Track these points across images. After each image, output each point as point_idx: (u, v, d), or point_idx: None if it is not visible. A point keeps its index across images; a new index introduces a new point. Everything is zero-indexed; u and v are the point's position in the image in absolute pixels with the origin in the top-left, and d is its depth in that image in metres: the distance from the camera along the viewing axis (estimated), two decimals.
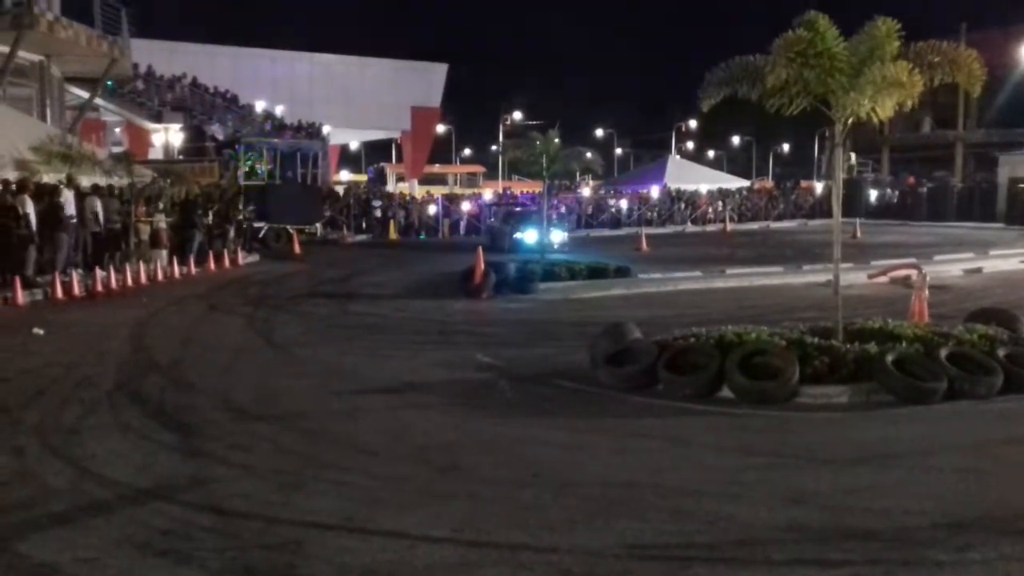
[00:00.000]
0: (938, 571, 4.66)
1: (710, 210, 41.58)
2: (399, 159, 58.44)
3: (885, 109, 9.35)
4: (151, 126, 35.30)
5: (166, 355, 11.00)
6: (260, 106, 40.56)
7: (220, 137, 33.49)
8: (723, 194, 44.10)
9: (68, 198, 17.71)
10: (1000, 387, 8.50)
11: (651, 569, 4.76)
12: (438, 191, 44.14)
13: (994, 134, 47.32)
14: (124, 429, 7.60)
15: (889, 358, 8.54)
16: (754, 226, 40.62)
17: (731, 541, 5.13)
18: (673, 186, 45.70)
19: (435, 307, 15.70)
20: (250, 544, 5.14)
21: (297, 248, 26.46)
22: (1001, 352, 8.91)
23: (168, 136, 34.35)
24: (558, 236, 25.84)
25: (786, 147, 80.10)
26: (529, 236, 24.82)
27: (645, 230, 32.06)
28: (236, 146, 29.87)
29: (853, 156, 49.78)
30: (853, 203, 37.14)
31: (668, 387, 8.86)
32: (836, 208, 10.16)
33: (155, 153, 34.00)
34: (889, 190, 45.96)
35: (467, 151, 79.16)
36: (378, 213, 34.55)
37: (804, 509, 5.60)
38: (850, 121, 9.58)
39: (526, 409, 8.48)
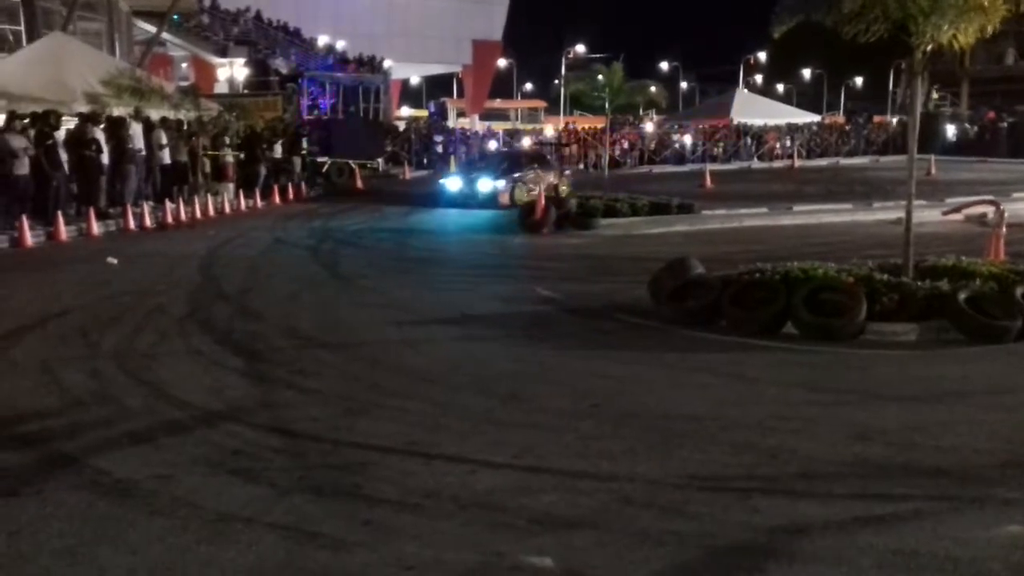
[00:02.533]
0: (1006, 509, 4.57)
1: (777, 146, 40.49)
2: (460, 94, 58.05)
3: (967, 35, 8.90)
4: (216, 60, 35.59)
5: (234, 285, 11.26)
6: (322, 40, 40.52)
7: (284, 71, 33.60)
8: (791, 129, 42.85)
9: (136, 131, 18.04)
10: None
11: (711, 499, 4.77)
12: (499, 126, 43.81)
13: None
14: (195, 354, 7.84)
15: (962, 296, 8.29)
16: (823, 162, 39.48)
17: (792, 474, 5.10)
18: (740, 121, 44.55)
19: (495, 242, 15.71)
20: (317, 465, 5.29)
21: (359, 183, 26.64)
22: None
23: (233, 70, 34.61)
24: (486, 185, 21.02)
25: (859, 81, 77.24)
26: (451, 184, 21.84)
27: (710, 166, 31.42)
28: (300, 80, 29.98)
29: (934, 90, 47.76)
30: (929, 139, 35.72)
31: (731, 322, 8.77)
32: (912, 141, 9.79)
33: (220, 87, 34.32)
34: (967, 125, 44.11)
35: (528, 86, 78.17)
36: (439, 148, 34.50)
37: (868, 445, 5.52)
38: (929, 49, 9.16)
39: (586, 342, 8.48)
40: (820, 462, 5.25)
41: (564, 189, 21.12)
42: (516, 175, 21.11)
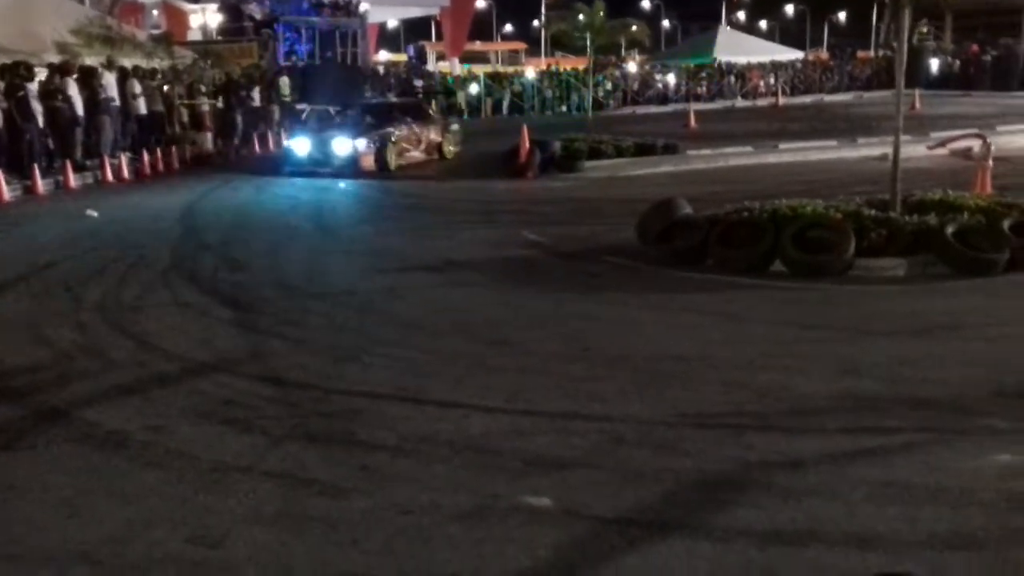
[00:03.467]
0: (995, 438, 4.63)
1: (761, 84, 40.18)
2: (439, 38, 57.07)
3: None
4: (188, 7, 34.72)
5: (217, 235, 11.13)
6: None
7: (258, 17, 32.83)
8: (775, 67, 42.48)
9: (109, 80, 17.65)
10: None
11: (704, 436, 4.80)
12: (480, 69, 43.17)
13: None
14: (181, 306, 7.77)
15: (949, 229, 8.30)
16: (807, 99, 39.21)
17: (784, 411, 5.13)
18: (723, 59, 44.09)
19: (479, 187, 15.58)
20: (309, 412, 5.28)
21: None
22: None
23: (205, 17, 33.78)
24: (343, 146, 17.09)
25: (842, 16, 76.46)
26: (299, 146, 17.71)
27: (693, 106, 31.16)
28: (275, 26, 29.34)
29: (921, 26, 47.25)
30: (913, 73, 35.50)
31: (719, 262, 8.76)
32: (899, 76, 9.71)
33: (193, 35, 33.54)
34: (951, 59, 43.86)
35: (508, 27, 76.95)
36: (419, 94, 33.99)
37: (858, 379, 5.56)
38: None
39: (574, 285, 8.46)
40: (811, 398, 5.29)
41: (451, 149, 18.96)
42: (385, 131, 17.39)
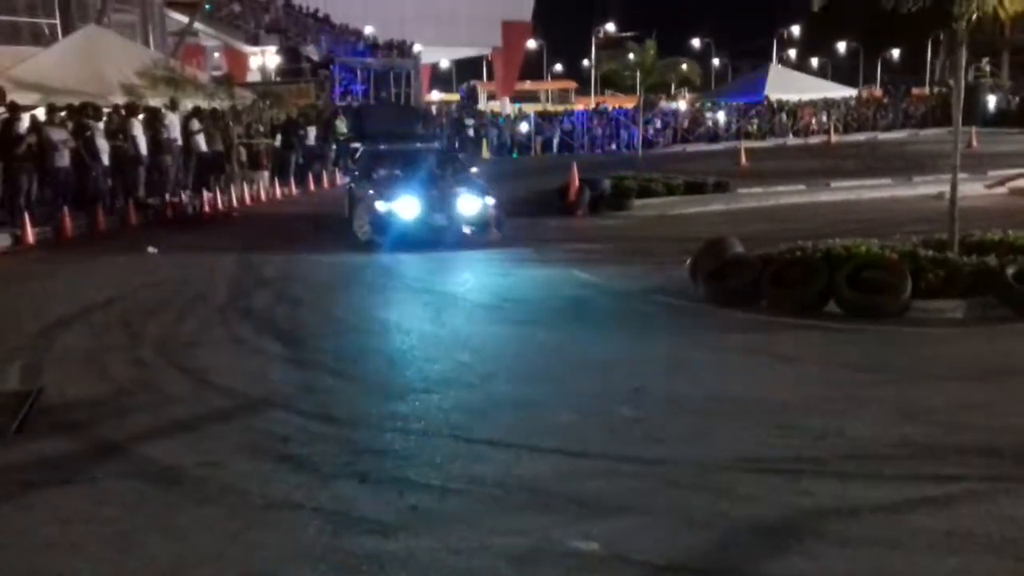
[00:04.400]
0: None
1: (813, 121, 39.86)
2: (490, 77, 57.84)
3: (1014, 3, 8.66)
4: (248, 49, 35.78)
5: (273, 272, 11.33)
6: (352, 25, 40.56)
7: (315, 58, 33.70)
8: (827, 104, 42.14)
9: (172, 121, 18.21)
10: None
11: (760, 481, 4.72)
12: (530, 108, 43.61)
13: None
14: (237, 342, 7.91)
15: (1010, 270, 8.11)
16: (860, 137, 38.78)
17: (840, 456, 5.02)
18: (774, 97, 43.89)
19: (531, 224, 15.63)
20: (361, 450, 5.31)
21: None
22: None
23: (264, 59, 34.78)
24: (471, 204, 13.18)
25: (896, 53, 75.68)
26: (406, 208, 12.85)
27: (744, 143, 31.03)
28: (331, 66, 30.05)
29: (982, 63, 46.57)
30: (970, 110, 34.92)
31: (772, 302, 8.66)
32: (956, 112, 9.55)
33: (252, 76, 34.51)
34: (1009, 96, 43.08)
35: (558, 67, 77.67)
36: (471, 132, 34.43)
37: (917, 425, 5.43)
38: (973, 18, 8.93)
39: (627, 325, 8.42)
40: (868, 443, 5.17)
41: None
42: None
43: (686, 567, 3.86)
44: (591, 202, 16.79)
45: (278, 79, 32.28)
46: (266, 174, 20.73)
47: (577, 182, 17.14)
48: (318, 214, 17.49)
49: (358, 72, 29.49)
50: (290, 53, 34.46)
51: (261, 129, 21.41)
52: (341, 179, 23.82)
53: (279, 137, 22.05)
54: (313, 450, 5.30)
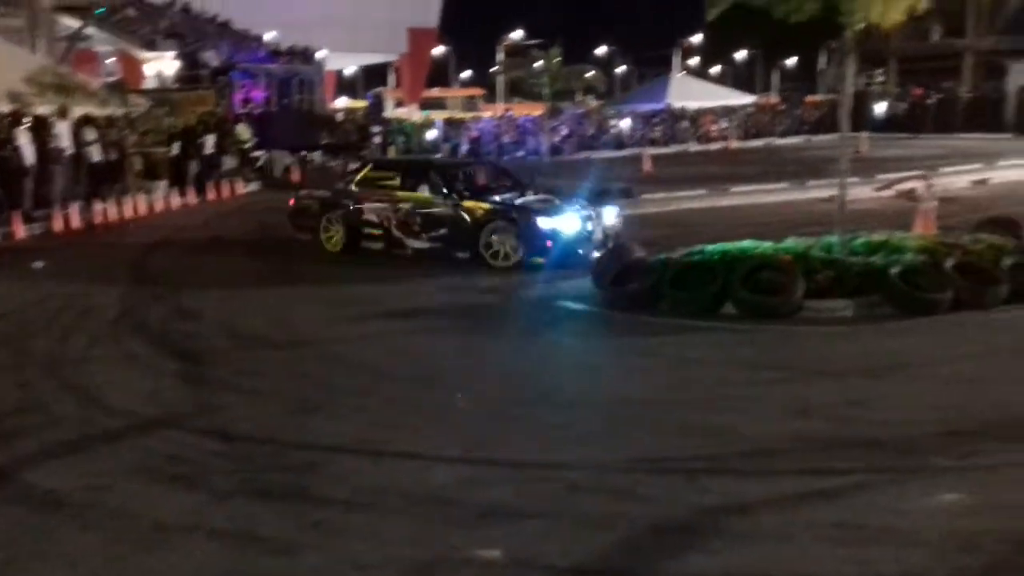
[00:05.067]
0: (942, 477, 4.70)
1: (714, 128, 40.98)
2: (398, 84, 57.48)
3: (896, 12, 9.09)
4: (144, 55, 34.59)
5: (169, 285, 10.97)
6: (253, 31, 39.71)
7: (214, 64, 32.84)
8: (727, 111, 43.40)
9: (61, 130, 17.46)
10: (1005, 296, 8.46)
11: (658, 481, 4.81)
12: (438, 115, 43.51)
13: (1004, 41, 46.19)
14: (129, 358, 7.62)
15: (894, 270, 8.48)
16: (759, 143, 40.09)
17: (736, 453, 5.16)
18: (677, 104, 44.95)
19: None
20: (262, 468, 5.19)
21: (296, 176, 26.21)
22: (1007, 262, 8.84)
23: (161, 65, 33.70)
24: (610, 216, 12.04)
25: (792, 61, 78.52)
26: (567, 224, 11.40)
27: (649, 150, 31.65)
28: (231, 73, 29.35)
29: (877, 73, 48.70)
30: (859, 116, 36.49)
31: (673, 305, 8.83)
32: (844, 119, 9.97)
33: (149, 82, 33.41)
34: (897, 102, 45.17)
35: (466, 74, 77.81)
36: (377, 139, 34.13)
37: (809, 421, 5.63)
38: (859, 28, 9.34)
39: (532, 331, 8.47)
40: (763, 440, 5.33)
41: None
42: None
43: (588, 570, 3.90)
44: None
45: (176, 86, 31.33)
46: (163, 184, 20.07)
47: None
48: (230, 228, 17.04)
49: (260, 78, 28.86)
50: (188, 59, 33.47)
51: (158, 137, 20.71)
52: (244, 188, 23.30)
53: (176, 145, 21.38)
54: (209, 469, 5.15)
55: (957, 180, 20.22)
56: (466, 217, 11.73)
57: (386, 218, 12.22)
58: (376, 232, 12.37)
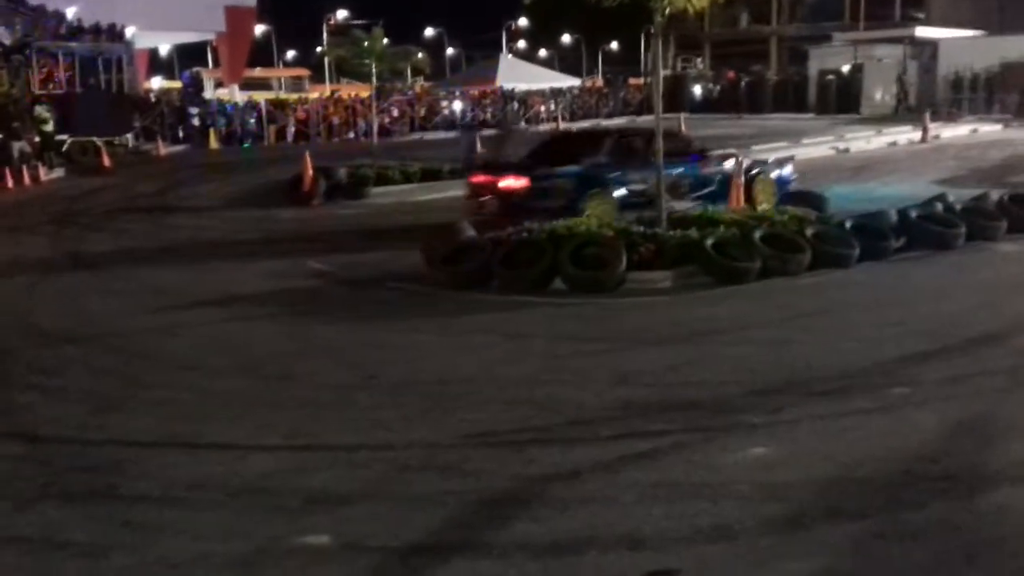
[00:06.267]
0: (753, 432, 4.98)
1: (543, 109, 41.74)
2: (216, 64, 54.95)
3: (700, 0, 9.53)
4: None
5: None
6: (52, 7, 36.76)
7: (7, 42, 30.18)
8: (555, 93, 44.31)
9: None
10: (808, 263, 9.09)
11: (487, 455, 4.83)
12: (261, 96, 41.95)
13: (805, 28, 49.60)
14: None
15: (708, 242, 8.93)
16: (586, 124, 41.20)
17: (563, 423, 5.28)
18: (507, 86, 45.45)
19: (262, 217, 15.08)
20: (65, 469, 4.83)
21: (107, 161, 24.58)
22: (809, 231, 9.49)
23: None
24: None
25: (615, 45, 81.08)
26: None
27: (480, 132, 31.81)
28: (27, 51, 27.08)
29: (696, 60, 50.99)
30: (678, 98, 38.20)
31: (504, 283, 8.93)
32: (657, 100, 10.36)
33: None
34: (711, 85, 47.57)
35: (291, 54, 75.42)
36: (196, 121, 32.50)
37: (631, 388, 5.82)
38: (668, 13, 9.73)
39: (361, 313, 8.34)
40: (588, 408, 5.47)
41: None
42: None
43: (417, 548, 3.87)
44: (327, 191, 16.46)
45: None
46: None
47: (312, 171, 16.72)
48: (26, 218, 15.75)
49: (60, 57, 26.76)
50: None
51: None
52: (45, 175, 21.64)
53: None
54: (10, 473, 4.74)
55: (767, 157, 21.52)
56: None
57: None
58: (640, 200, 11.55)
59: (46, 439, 5.25)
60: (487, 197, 11.77)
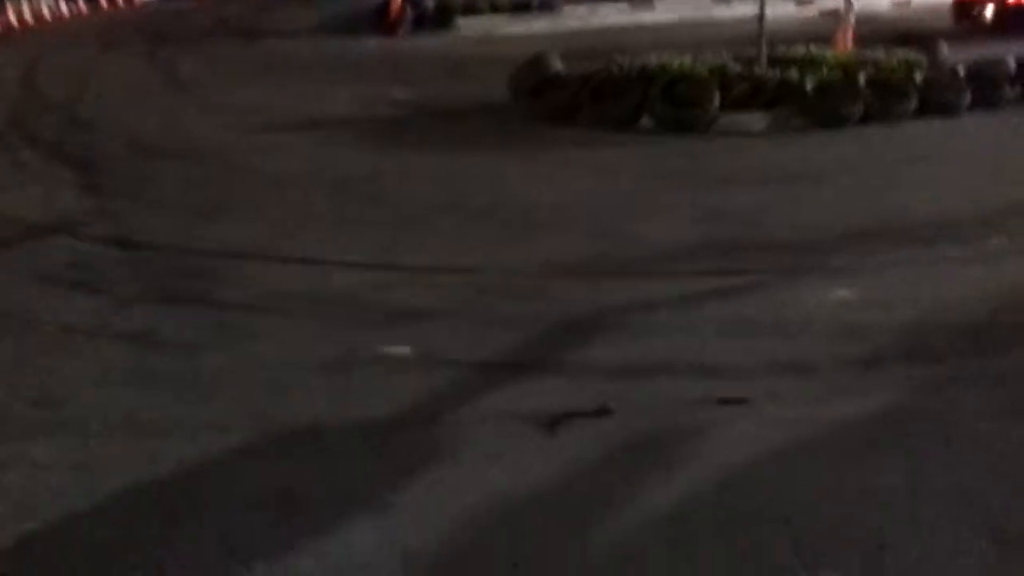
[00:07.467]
0: (836, 275, 4.87)
1: None
2: None
3: None
4: None
5: (61, 94, 10.33)
6: None
7: None
8: None
9: None
10: (916, 109, 8.60)
11: (563, 285, 4.87)
12: None
13: None
14: (20, 168, 7.23)
15: (809, 84, 8.50)
16: None
17: (642, 257, 5.25)
18: None
19: (349, 44, 14.92)
20: (162, 274, 5.07)
21: None
22: (918, 76, 8.92)
23: None
24: None
25: None
26: None
27: None
28: None
29: None
30: None
31: (590, 118, 8.74)
32: None
33: None
34: None
35: None
36: None
37: (716, 225, 5.72)
38: None
39: (446, 142, 8.30)
40: (669, 244, 5.42)
41: None
42: None
43: (494, 363, 3.97)
44: (414, 21, 16.12)
45: None
46: None
47: (398, 0, 16.31)
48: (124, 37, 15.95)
49: None
50: None
51: None
52: None
53: None
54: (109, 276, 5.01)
55: (878, 1, 20.06)
56: None
57: None
58: None
59: (142, 245, 5.48)
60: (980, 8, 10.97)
